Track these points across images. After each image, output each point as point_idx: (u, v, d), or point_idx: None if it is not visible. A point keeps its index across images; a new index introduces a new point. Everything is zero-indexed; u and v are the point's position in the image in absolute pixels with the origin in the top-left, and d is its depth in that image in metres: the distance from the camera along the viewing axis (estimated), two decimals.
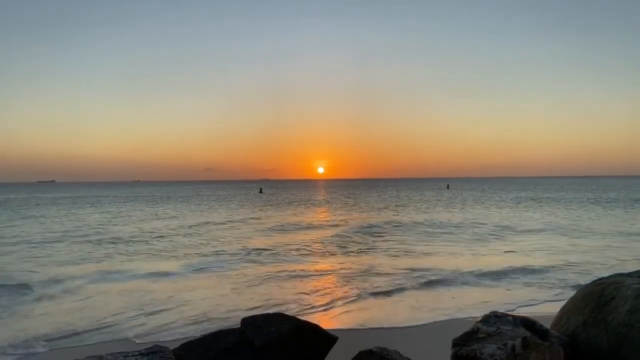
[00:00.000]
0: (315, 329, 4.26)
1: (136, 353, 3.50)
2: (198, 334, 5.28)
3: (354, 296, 10.68)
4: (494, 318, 3.94)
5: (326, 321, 8.78)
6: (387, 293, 10.98)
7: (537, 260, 14.86)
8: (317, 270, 14.11)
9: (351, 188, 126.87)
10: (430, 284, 11.86)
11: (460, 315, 8.93)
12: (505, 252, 17.17)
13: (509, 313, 4.19)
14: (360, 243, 20.07)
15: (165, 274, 13.55)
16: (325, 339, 4.26)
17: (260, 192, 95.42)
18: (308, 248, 18.84)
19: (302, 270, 14.09)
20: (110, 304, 10.29)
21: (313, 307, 9.84)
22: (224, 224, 29.80)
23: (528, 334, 3.62)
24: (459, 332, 3.81)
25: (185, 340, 4.21)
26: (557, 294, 10.61)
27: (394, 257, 16.20)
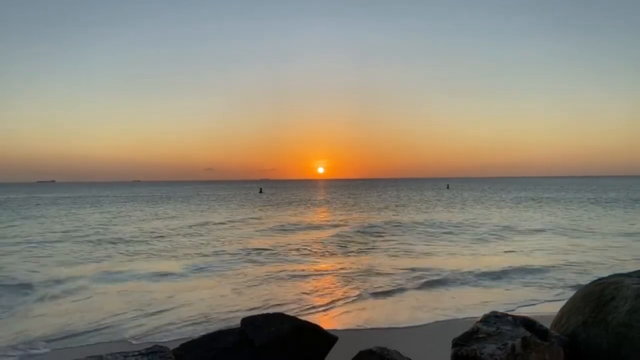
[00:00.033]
0: (315, 329, 4.26)
1: (136, 353, 3.51)
2: (198, 335, 5.28)
3: (354, 296, 10.68)
4: (494, 318, 3.94)
5: (326, 321, 8.78)
6: (387, 293, 10.98)
7: (537, 260, 14.86)
8: (317, 270, 14.11)
9: (351, 188, 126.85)
10: (430, 284, 11.86)
11: (460, 316, 8.93)
12: (505, 252, 17.17)
13: (509, 313, 4.19)
14: (360, 243, 20.07)
15: (166, 274, 13.55)
16: (325, 339, 4.26)
17: (260, 192, 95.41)
18: (308, 248, 18.84)
19: (302, 270, 14.09)
20: (111, 304, 10.29)
21: (313, 307, 9.84)
22: (224, 224, 29.80)
23: (528, 334, 3.62)
24: (459, 332, 3.82)
25: (185, 341, 4.21)
26: (557, 294, 10.61)
27: (394, 257, 16.20)
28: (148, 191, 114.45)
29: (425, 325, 8.44)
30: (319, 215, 36.93)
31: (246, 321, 4.26)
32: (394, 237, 21.76)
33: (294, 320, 4.28)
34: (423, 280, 12.17)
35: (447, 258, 15.91)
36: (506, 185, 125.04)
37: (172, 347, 3.93)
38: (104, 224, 30.18)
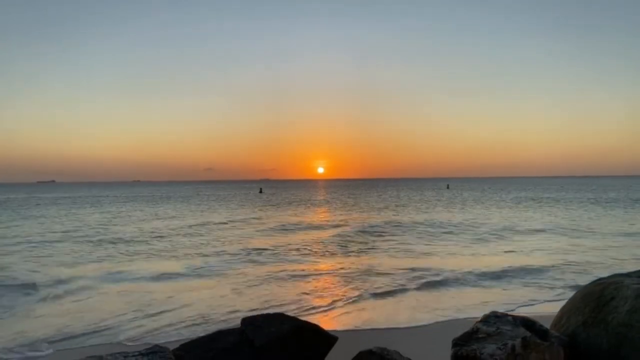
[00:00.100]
0: (315, 329, 4.26)
1: (136, 353, 3.51)
2: (198, 335, 5.28)
3: (354, 296, 10.68)
4: (493, 318, 3.94)
5: (326, 322, 8.78)
6: (388, 293, 10.98)
7: (537, 260, 14.87)
8: (317, 271, 14.12)
9: (351, 188, 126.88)
10: (430, 284, 11.86)
11: (460, 316, 8.93)
12: (505, 252, 17.18)
13: (509, 313, 4.19)
14: (360, 243, 20.07)
15: (166, 275, 13.55)
16: (325, 339, 4.27)
17: (260, 192, 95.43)
18: (308, 248, 18.85)
19: (303, 270, 14.09)
20: (111, 304, 10.30)
21: (313, 308, 9.84)
22: (224, 224, 29.81)
23: (528, 334, 3.62)
24: (459, 332, 3.82)
25: (186, 341, 4.21)
26: (557, 294, 10.61)
27: (394, 257, 16.20)
28: (148, 191, 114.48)
29: (425, 325, 8.44)
30: (319, 215, 36.93)
31: (246, 321, 4.26)
32: (394, 237, 21.76)
33: (294, 321, 4.28)
34: (423, 281, 12.17)
35: (447, 258, 15.92)
36: (506, 185, 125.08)
37: (172, 347, 3.94)
38: (104, 224, 30.18)
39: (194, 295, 11.00)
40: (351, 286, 11.75)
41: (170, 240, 21.71)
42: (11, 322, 8.99)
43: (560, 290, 10.94)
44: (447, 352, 3.69)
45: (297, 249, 18.47)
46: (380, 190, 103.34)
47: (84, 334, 8.13)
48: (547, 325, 4.10)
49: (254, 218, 34.18)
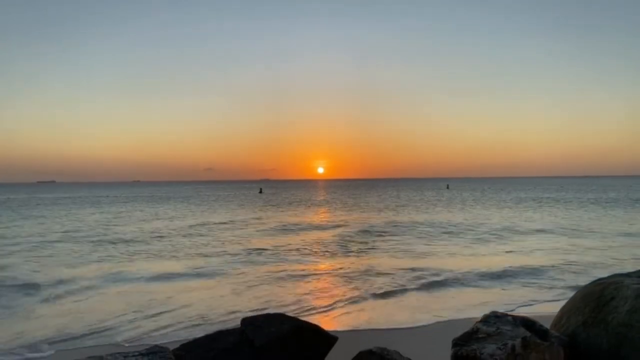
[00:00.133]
0: (315, 329, 4.26)
1: (136, 353, 3.51)
2: (198, 335, 5.28)
3: (354, 297, 10.68)
4: (493, 318, 3.94)
5: (326, 322, 8.78)
6: (388, 294, 10.98)
7: (537, 261, 14.86)
8: (317, 271, 14.12)
9: (351, 188, 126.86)
10: (430, 284, 11.86)
11: (460, 316, 8.92)
12: (505, 252, 17.18)
13: (509, 313, 4.20)
14: (360, 243, 20.07)
15: (166, 275, 13.55)
16: (325, 339, 4.27)
17: (260, 192, 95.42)
18: (308, 248, 18.85)
19: (303, 270, 14.09)
20: (112, 305, 10.30)
21: (313, 308, 9.84)
22: (224, 224, 29.81)
23: (528, 334, 3.62)
24: (459, 333, 3.82)
25: (186, 341, 4.21)
26: (557, 294, 10.61)
27: (394, 258, 16.20)
28: (148, 191, 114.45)
29: (425, 325, 8.44)
30: (319, 216, 36.93)
31: (246, 321, 4.26)
32: (394, 238, 21.76)
33: (294, 321, 4.28)
34: (423, 281, 12.17)
35: (447, 258, 15.92)
36: (506, 185, 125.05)
37: (172, 347, 3.94)
38: (104, 224, 30.18)
39: (194, 296, 11.00)
40: (351, 286, 11.75)
41: (170, 241, 21.70)
42: (11, 323, 8.99)
43: (560, 290, 10.94)
44: (447, 352, 3.69)
45: (297, 249, 18.47)
46: (380, 190, 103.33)
47: (84, 335, 8.13)
48: (547, 325, 4.10)
49: (254, 218, 34.18)
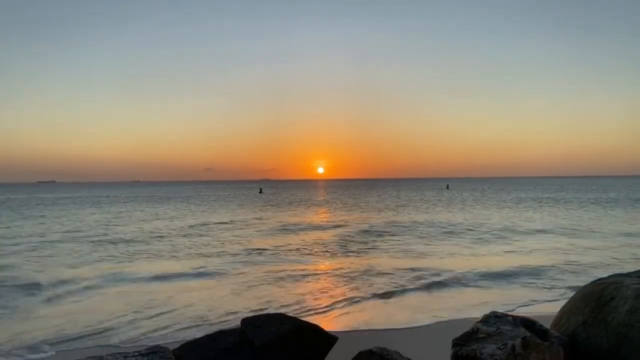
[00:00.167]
0: (315, 329, 4.26)
1: (136, 353, 3.51)
2: (198, 335, 5.28)
3: (354, 297, 10.68)
4: (493, 318, 3.94)
5: (326, 322, 8.78)
6: (388, 294, 10.98)
7: (537, 261, 14.87)
8: (317, 271, 14.12)
9: (351, 188, 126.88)
10: (430, 284, 11.87)
11: (460, 316, 8.93)
12: (505, 252, 17.18)
13: (509, 313, 4.20)
14: (360, 243, 20.07)
15: (166, 275, 13.55)
16: (325, 339, 4.27)
17: (260, 192, 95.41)
18: (308, 248, 18.85)
19: (303, 270, 14.09)
20: (112, 305, 10.30)
21: (313, 309, 9.84)
22: (224, 224, 29.81)
23: (528, 334, 3.62)
24: (459, 333, 3.82)
25: (186, 342, 4.21)
26: (557, 294, 10.61)
27: (394, 258, 16.21)
28: (148, 191, 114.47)
29: (425, 325, 8.44)
30: (319, 216, 36.94)
31: (246, 321, 4.27)
32: (394, 238, 21.77)
33: (294, 321, 4.28)
34: (423, 281, 12.18)
35: (447, 258, 15.92)
36: (506, 185, 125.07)
37: (172, 348, 3.94)
38: (105, 224, 30.19)
39: (194, 296, 11.01)
40: (351, 286, 11.76)
41: (170, 241, 21.71)
42: (12, 323, 8.99)
43: (560, 290, 10.94)
44: (447, 352, 3.69)
45: (297, 249, 18.47)
46: (380, 190, 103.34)
47: (84, 335, 8.13)
48: (547, 325, 4.10)
49: (254, 218, 34.19)
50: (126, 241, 21.61)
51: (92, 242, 21.43)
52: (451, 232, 23.60)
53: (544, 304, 9.81)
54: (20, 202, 66.36)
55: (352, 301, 10.35)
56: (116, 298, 10.94)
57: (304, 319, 4.79)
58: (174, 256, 17.15)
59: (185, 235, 23.83)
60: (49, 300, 10.76)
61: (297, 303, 10.19)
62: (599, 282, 4.20)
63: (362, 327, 8.43)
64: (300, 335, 4.11)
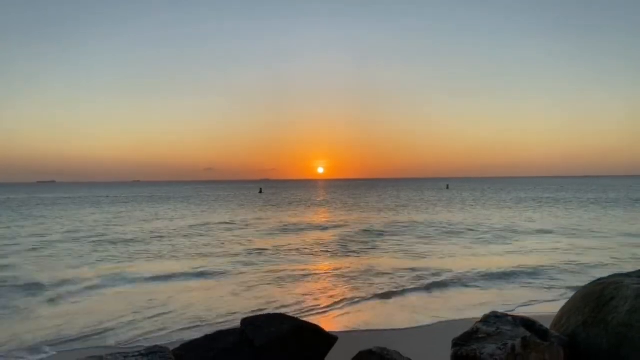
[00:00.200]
0: (315, 329, 4.26)
1: (136, 353, 3.51)
2: (198, 336, 5.28)
3: (354, 297, 10.68)
4: (493, 318, 3.94)
5: (326, 322, 8.78)
6: (388, 294, 10.98)
7: (537, 261, 14.87)
8: (317, 271, 14.12)
9: (351, 188, 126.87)
10: (430, 284, 11.86)
11: (460, 316, 8.93)
12: (505, 252, 17.18)
13: (509, 313, 4.20)
14: (360, 244, 20.07)
15: (166, 275, 13.55)
16: (325, 340, 4.27)
17: (260, 192, 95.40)
18: (308, 249, 18.85)
19: (303, 271, 14.09)
20: (112, 305, 10.30)
21: (313, 308, 9.84)
22: (224, 224, 29.82)
23: (528, 334, 3.62)
24: (459, 333, 3.82)
25: (186, 342, 4.21)
26: (557, 294, 10.61)
27: (394, 258, 16.21)
28: (148, 191, 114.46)
29: (425, 325, 8.44)
30: (319, 216, 36.93)
31: (246, 321, 4.26)
32: (393, 238, 21.77)
33: (294, 321, 4.28)
34: (423, 281, 12.17)
35: (447, 258, 15.92)
36: (506, 185, 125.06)
37: (172, 348, 3.94)
38: (105, 224, 30.19)
39: (194, 296, 11.01)
40: (351, 287, 11.76)
41: (170, 241, 21.71)
42: (12, 324, 8.99)
43: (560, 290, 10.94)
44: (447, 352, 3.69)
45: (298, 250, 18.47)
46: (380, 190, 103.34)
47: (85, 336, 8.13)
48: (547, 325, 4.10)
49: (254, 218, 34.19)
50: (126, 241, 21.61)
51: (92, 242, 21.43)
52: (451, 232, 23.61)
53: (544, 304, 9.81)
54: (20, 202, 66.36)
55: (352, 301, 10.35)
56: (116, 298, 10.94)
57: (304, 319, 4.79)
58: (174, 256, 17.15)
59: (185, 236, 23.83)
60: (49, 300, 10.76)
61: (297, 303, 10.19)
62: (599, 282, 4.20)
63: (362, 327, 8.43)
64: (300, 335, 4.11)
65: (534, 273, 12.99)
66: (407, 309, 9.74)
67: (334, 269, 14.30)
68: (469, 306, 9.74)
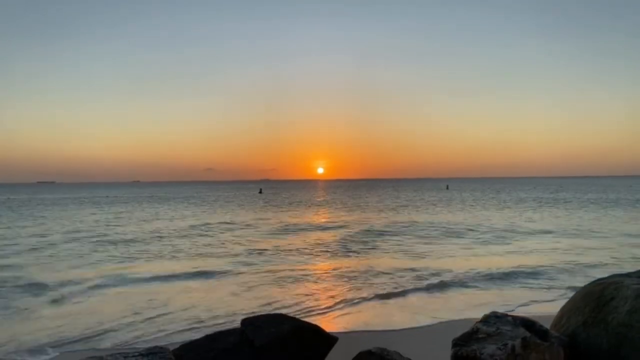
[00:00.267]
0: (315, 329, 4.27)
1: (136, 354, 3.52)
2: (198, 336, 5.28)
3: (354, 298, 10.68)
4: (493, 318, 3.94)
5: (327, 323, 8.78)
6: (388, 295, 10.98)
7: (537, 261, 14.86)
8: (318, 272, 14.12)
9: (351, 188, 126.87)
10: (430, 285, 11.86)
11: (460, 316, 8.93)
12: (505, 252, 17.18)
13: (509, 313, 4.20)
14: (360, 244, 20.08)
15: (166, 276, 13.56)
16: (325, 340, 4.27)
17: (260, 192, 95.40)
18: (309, 249, 18.85)
19: (303, 271, 14.09)
20: (112, 306, 10.30)
21: (314, 309, 9.84)
22: (224, 224, 29.82)
23: (528, 334, 3.62)
24: (459, 333, 3.82)
25: (186, 342, 4.21)
26: (557, 294, 10.61)
27: (394, 258, 16.21)
28: (148, 191, 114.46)
29: (425, 326, 8.44)
30: (319, 216, 36.94)
31: (246, 322, 4.27)
32: (394, 238, 21.77)
33: (294, 321, 4.29)
34: (423, 282, 12.18)
35: (447, 259, 15.92)
36: (506, 186, 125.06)
37: (172, 348, 3.94)
38: (105, 225, 30.19)
39: (194, 296, 11.01)
40: (352, 287, 11.76)
41: (170, 241, 21.71)
42: (13, 325, 8.99)
43: (560, 291, 10.94)
44: (447, 352, 3.69)
45: (298, 250, 18.48)
46: (380, 190, 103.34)
47: (85, 337, 8.12)
48: (547, 325, 4.11)
49: (254, 218, 34.19)
50: (126, 241, 21.62)
51: (93, 242, 21.44)
52: (451, 232, 23.61)
53: (544, 304, 9.81)
54: (20, 202, 66.37)
55: (352, 302, 10.35)
56: (117, 299, 10.94)
57: (304, 319, 4.79)
58: (174, 257, 17.16)
59: (185, 236, 23.84)
60: (50, 301, 10.76)
61: (298, 303, 10.19)
62: (599, 282, 4.20)
63: (362, 328, 8.43)
64: (300, 335, 4.11)
65: (534, 273, 12.99)
66: (407, 309, 9.74)
67: (334, 269, 14.30)
68: (468, 306, 9.74)
